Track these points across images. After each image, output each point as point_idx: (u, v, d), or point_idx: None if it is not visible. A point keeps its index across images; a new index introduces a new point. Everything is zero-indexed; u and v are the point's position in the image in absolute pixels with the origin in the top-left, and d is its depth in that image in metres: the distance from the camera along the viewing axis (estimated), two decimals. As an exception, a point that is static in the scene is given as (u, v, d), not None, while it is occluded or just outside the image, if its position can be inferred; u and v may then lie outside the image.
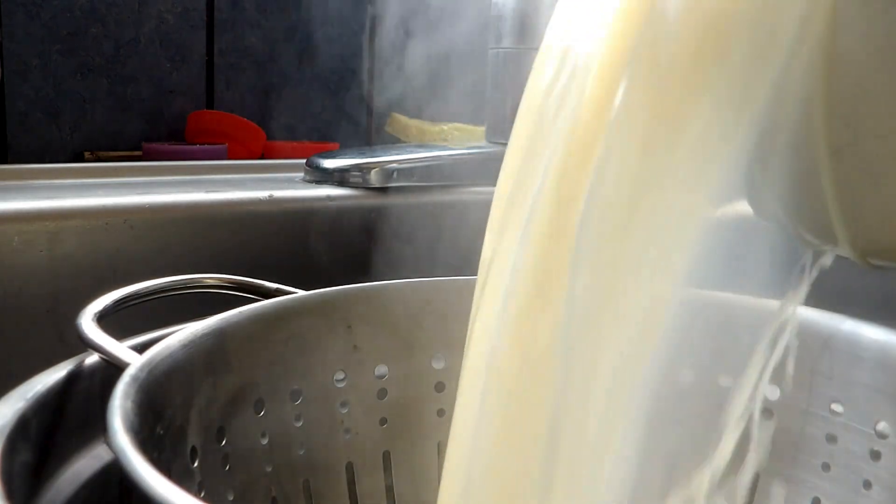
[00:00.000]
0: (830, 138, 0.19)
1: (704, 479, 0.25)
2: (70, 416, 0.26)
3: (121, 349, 0.25)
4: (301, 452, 0.30)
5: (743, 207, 0.23)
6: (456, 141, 0.94)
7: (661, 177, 0.19)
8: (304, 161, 0.54)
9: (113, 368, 0.24)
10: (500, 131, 0.58)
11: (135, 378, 0.22)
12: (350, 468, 0.31)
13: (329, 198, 0.49)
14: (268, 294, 0.32)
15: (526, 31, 0.56)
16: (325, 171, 0.52)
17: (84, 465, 0.26)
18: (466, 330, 0.33)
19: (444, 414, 0.33)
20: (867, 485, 0.27)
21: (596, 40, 0.20)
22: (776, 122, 0.20)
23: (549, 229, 0.20)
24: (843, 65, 0.19)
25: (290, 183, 0.52)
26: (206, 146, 0.98)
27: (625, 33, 0.19)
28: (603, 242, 0.20)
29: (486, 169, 0.55)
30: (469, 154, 0.56)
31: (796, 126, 0.20)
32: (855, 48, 0.18)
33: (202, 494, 0.24)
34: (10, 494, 0.20)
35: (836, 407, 0.28)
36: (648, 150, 0.19)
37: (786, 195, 0.22)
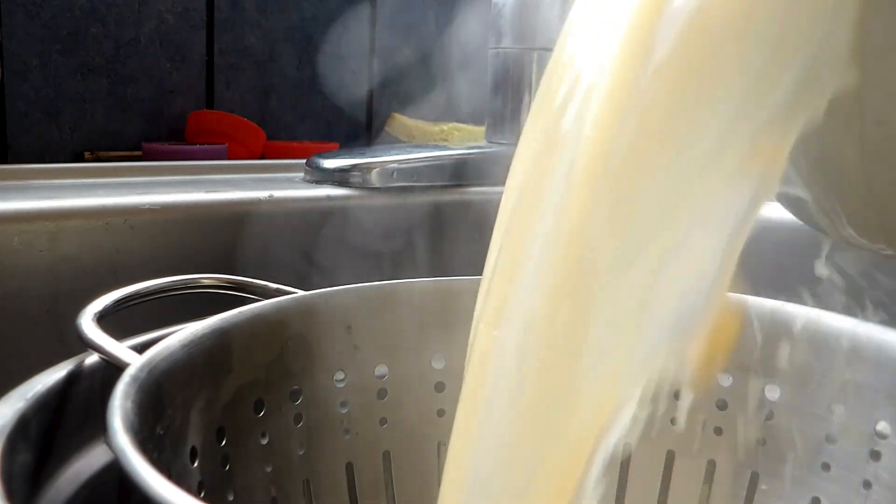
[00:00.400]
0: (863, 137, 0.19)
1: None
2: (70, 416, 0.26)
3: (121, 349, 0.25)
4: (301, 452, 0.30)
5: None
6: (456, 141, 0.94)
7: (674, 182, 0.19)
8: (304, 161, 0.54)
9: (113, 368, 0.24)
10: (500, 131, 0.58)
11: (135, 378, 0.22)
12: (350, 468, 0.31)
13: (329, 198, 0.49)
14: (268, 294, 0.32)
15: (526, 31, 0.56)
16: (325, 171, 0.52)
17: (84, 465, 0.26)
18: (467, 330, 0.33)
19: (444, 414, 0.33)
20: (867, 485, 0.27)
21: (608, 50, 0.20)
22: (805, 123, 0.19)
23: (575, 234, 0.20)
24: (874, 62, 0.18)
25: (290, 183, 0.52)
26: (206, 146, 0.98)
27: (637, 41, 0.19)
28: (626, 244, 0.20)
29: (486, 169, 0.55)
30: (469, 154, 0.56)
31: (828, 127, 0.19)
32: (886, 45, 0.18)
33: (202, 494, 0.24)
34: (9, 494, 0.20)
35: (836, 407, 0.28)
36: (662, 154, 0.19)
37: (823, 198, 0.22)
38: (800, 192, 0.22)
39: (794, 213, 0.24)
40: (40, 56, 0.93)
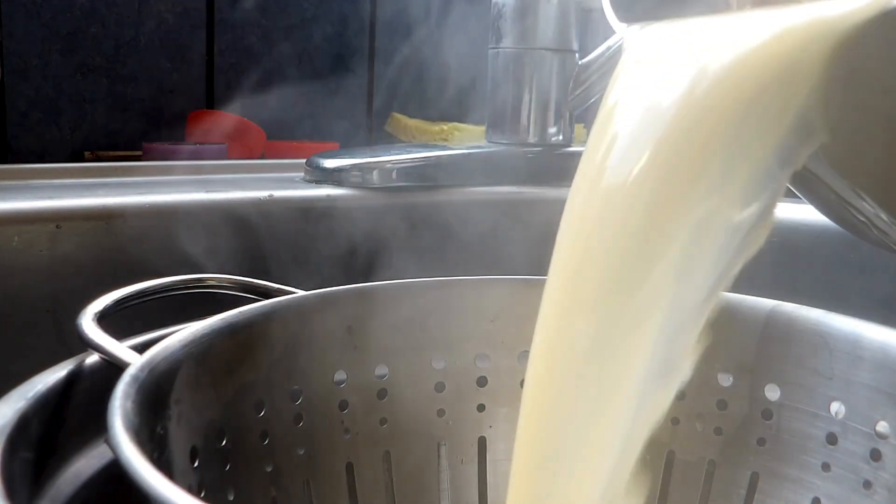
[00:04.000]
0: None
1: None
2: (70, 416, 0.26)
3: (121, 349, 0.25)
4: (301, 452, 0.30)
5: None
6: (456, 141, 0.94)
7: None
8: (304, 161, 0.54)
9: (113, 368, 0.24)
10: (500, 131, 0.58)
11: (135, 378, 0.22)
12: (350, 468, 0.31)
13: (329, 198, 0.49)
14: (268, 294, 0.32)
15: (526, 31, 0.56)
16: (325, 171, 0.52)
17: (84, 465, 0.26)
18: (466, 329, 0.33)
19: (444, 414, 0.33)
20: (867, 485, 0.27)
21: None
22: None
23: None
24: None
25: (290, 183, 0.52)
26: (206, 146, 0.97)
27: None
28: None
29: (486, 169, 0.55)
30: (469, 154, 0.56)
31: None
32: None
33: (202, 494, 0.24)
34: (10, 494, 0.20)
35: (836, 407, 0.28)
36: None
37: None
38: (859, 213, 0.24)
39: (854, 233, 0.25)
40: (40, 56, 0.93)
